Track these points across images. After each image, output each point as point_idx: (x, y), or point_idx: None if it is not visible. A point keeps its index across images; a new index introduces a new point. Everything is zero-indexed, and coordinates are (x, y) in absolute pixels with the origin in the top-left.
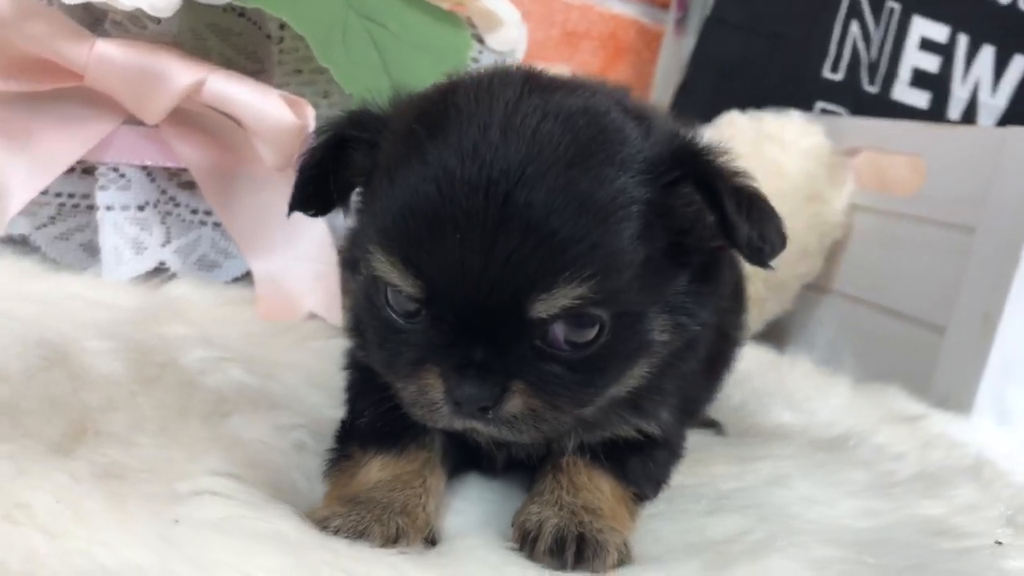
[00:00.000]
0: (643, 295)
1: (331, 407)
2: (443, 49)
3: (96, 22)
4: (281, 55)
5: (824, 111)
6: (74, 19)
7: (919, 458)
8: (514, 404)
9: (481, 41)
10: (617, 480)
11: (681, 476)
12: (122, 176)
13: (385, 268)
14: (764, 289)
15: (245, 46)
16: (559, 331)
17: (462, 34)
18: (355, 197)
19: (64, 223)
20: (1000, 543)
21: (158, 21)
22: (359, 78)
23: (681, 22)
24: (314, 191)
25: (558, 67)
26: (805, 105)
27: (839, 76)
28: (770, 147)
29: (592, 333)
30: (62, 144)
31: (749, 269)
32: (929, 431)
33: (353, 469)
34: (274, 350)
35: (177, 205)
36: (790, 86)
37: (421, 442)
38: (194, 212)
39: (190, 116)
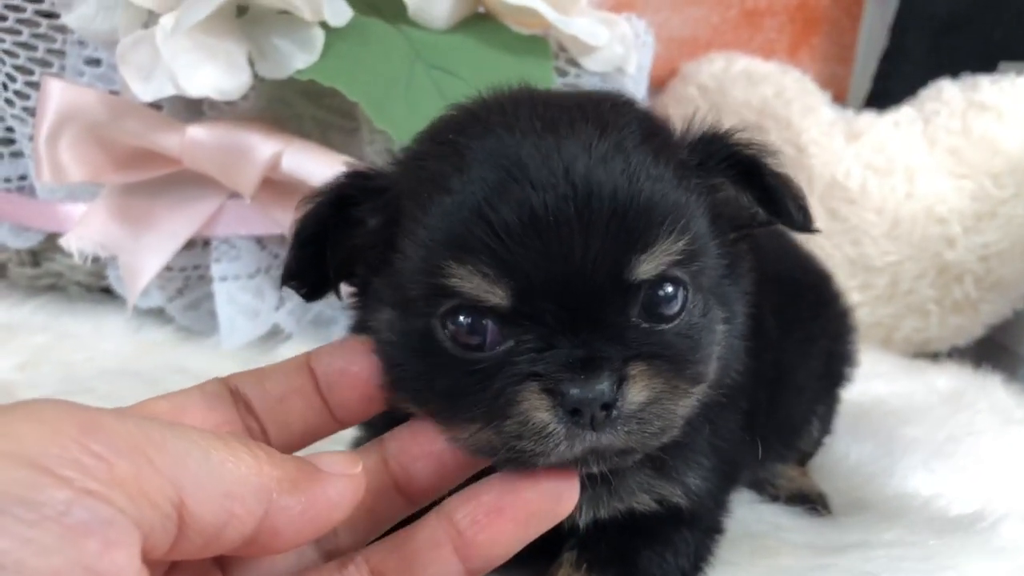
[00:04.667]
0: (709, 271)
1: None
2: None
3: (195, 107)
4: None
5: None
6: (176, 107)
7: None
8: (638, 389)
9: (576, 64)
10: None
11: (732, 568)
12: (233, 247)
13: (464, 280)
14: (975, 289)
15: (338, 106)
16: (652, 303)
17: (543, 65)
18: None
19: (192, 294)
20: None
21: (247, 98)
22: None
23: None
24: (309, 262)
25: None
26: None
27: None
28: (981, 120)
29: (679, 304)
30: (177, 223)
31: (958, 269)
32: None
33: None
34: None
35: None
36: None
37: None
38: None
39: (283, 185)
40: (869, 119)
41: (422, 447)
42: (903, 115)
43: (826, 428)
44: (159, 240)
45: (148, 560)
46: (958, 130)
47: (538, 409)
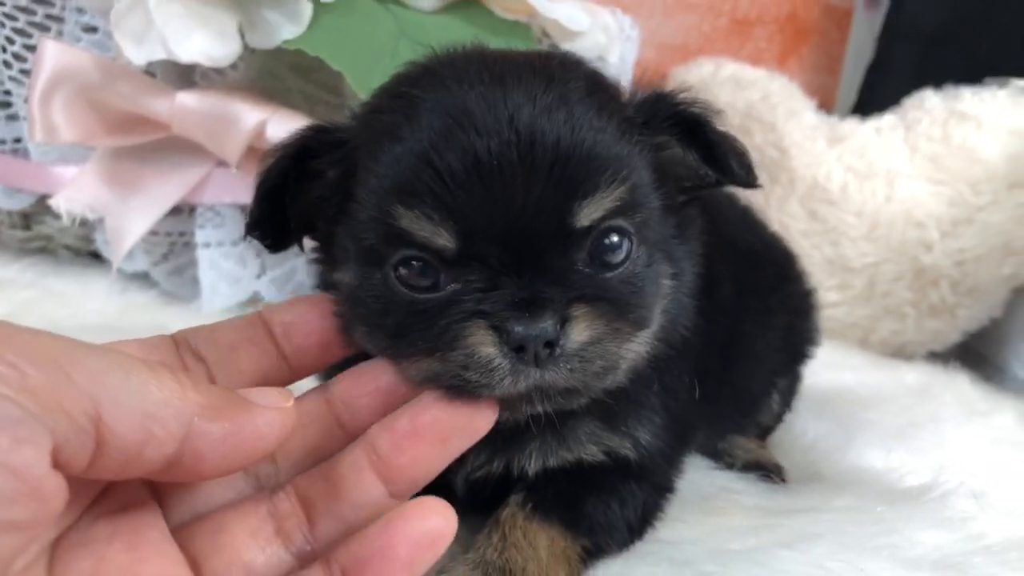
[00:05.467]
0: (653, 225)
1: None
2: None
3: (187, 75)
4: None
5: None
6: (168, 74)
7: None
8: (580, 330)
9: (558, 50)
10: (564, 531)
11: (680, 525)
12: (218, 215)
13: (412, 223)
14: (952, 294)
15: (325, 81)
16: (596, 250)
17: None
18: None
19: (176, 259)
20: None
21: (236, 68)
22: None
23: None
24: (272, 214)
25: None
26: None
27: None
28: (962, 129)
29: (623, 252)
30: (164, 188)
31: (935, 273)
32: None
33: None
34: None
35: None
36: (1019, 50)
37: None
38: None
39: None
40: (852, 125)
41: (366, 385)
42: (885, 122)
43: (787, 403)
44: (146, 204)
45: (69, 475)
46: (939, 138)
47: (484, 344)
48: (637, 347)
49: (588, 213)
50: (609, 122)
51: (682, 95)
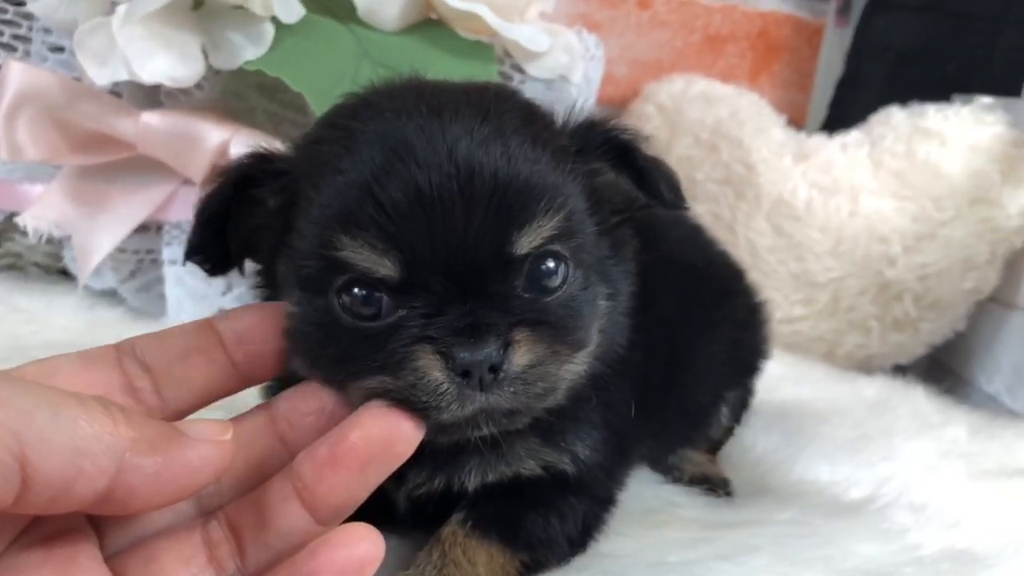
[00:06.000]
0: (588, 248)
1: None
2: None
3: (152, 94)
4: None
5: None
6: (133, 94)
7: (986, 528)
8: (521, 353)
9: (521, 71)
10: (504, 547)
11: (620, 538)
12: (184, 232)
13: (355, 253)
14: (915, 308)
15: (290, 100)
16: (534, 276)
17: (487, 70)
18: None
19: (144, 276)
20: None
21: (201, 88)
22: None
23: (843, 11)
24: (213, 239)
25: (698, 77)
26: (1011, 90)
27: None
28: (925, 145)
29: (560, 277)
30: (131, 206)
31: (898, 287)
32: None
33: None
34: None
35: None
36: (985, 70)
37: None
38: None
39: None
40: (818, 141)
41: (309, 404)
42: (851, 138)
43: (736, 417)
44: (113, 222)
45: None
46: (903, 154)
47: (433, 368)
48: (576, 367)
49: (526, 241)
50: (544, 152)
51: (612, 122)
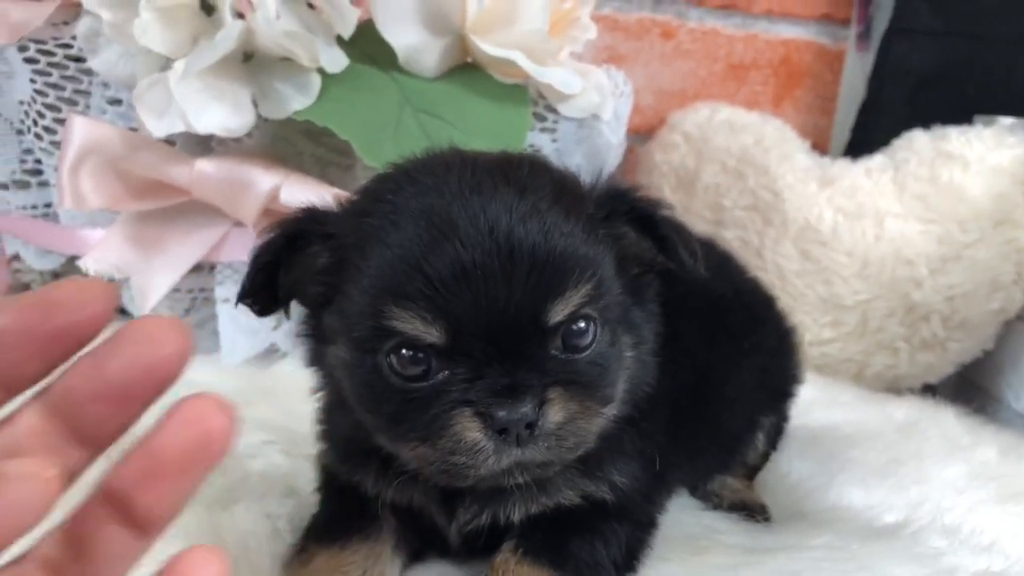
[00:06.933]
0: (614, 306)
1: None
2: (498, 131)
3: (205, 143)
4: None
5: None
6: (188, 142)
7: (1020, 551)
8: (556, 411)
9: (554, 111)
10: (553, 571)
11: (664, 563)
12: (236, 272)
13: (405, 323)
14: (942, 329)
15: (335, 145)
16: (566, 337)
17: (521, 112)
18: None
19: (198, 314)
20: None
21: (251, 136)
22: None
23: (864, 37)
24: (263, 284)
25: (722, 105)
26: None
27: None
28: (948, 169)
29: (589, 336)
30: (185, 248)
31: (925, 309)
32: None
33: (305, 560)
34: None
35: None
36: (1003, 92)
37: (366, 534)
38: None
39: (283, 215)
40: (843, 166)
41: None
42: (875, 163)
43: (772, 443)
44: (169, 263)
45: None
46: (926, 177)
47: (470, 430)
48: (604, 421)
49: (559, 311)
50: (576, 224)
51: (635, 193)
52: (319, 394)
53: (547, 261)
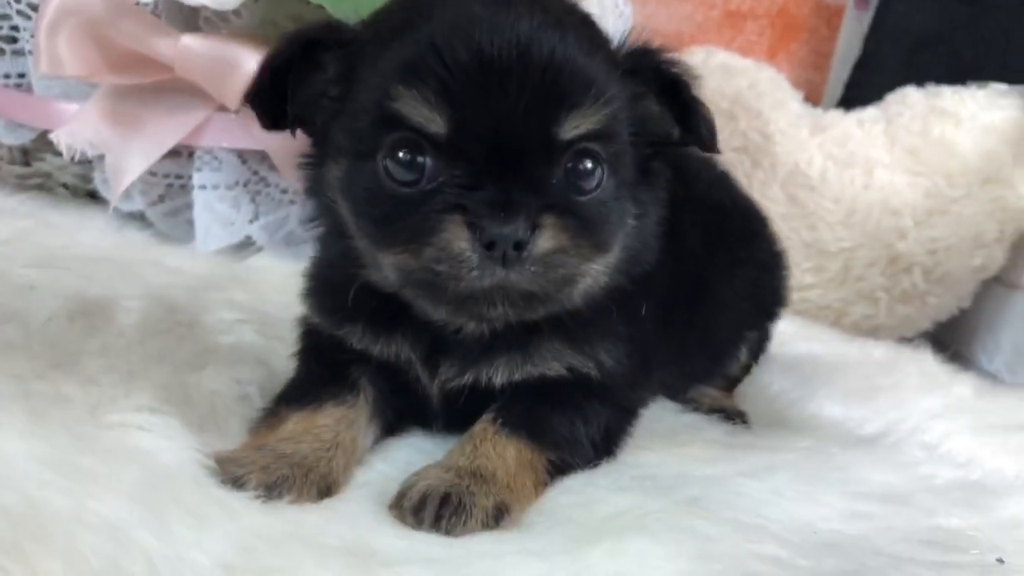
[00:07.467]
0: (624, 161)
1: None
2: None
3: (192, 19)
4: None
5: None
6: (173, 16)
7: (995, 467)
8: (547, 238)
9: None
10: (531, 443)
11: (646, 452)
12: (215, 159)
13: (409, 105)
14: (923, 281)
15: None
16: (572, 173)
17: None
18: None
19: (172, 201)
20: (1002, 561)
21: (239, 15)
22: None
23: None
24: (272, 91)
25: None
26: (1021, 80)
27: None
28: (940, 124)
29: (595, 179)
30: (165, 129)
31: (908, 260)
32: None
33: (274, 423)
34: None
35: (268, 185)
36: (998, 58)
37: (341, 399)
38: (284, 192)
39: None
40: (835, 115)
41: None
42: (868, 115)
43: (754, 357)
44: (146, 144)
45: None
46: (918, 131)
47: (458, 238)
48: (595, 268)
49: (571, 126)
50: (598, 53)
51: (666, 54)
52: (314, 223)
53: (566, 69)
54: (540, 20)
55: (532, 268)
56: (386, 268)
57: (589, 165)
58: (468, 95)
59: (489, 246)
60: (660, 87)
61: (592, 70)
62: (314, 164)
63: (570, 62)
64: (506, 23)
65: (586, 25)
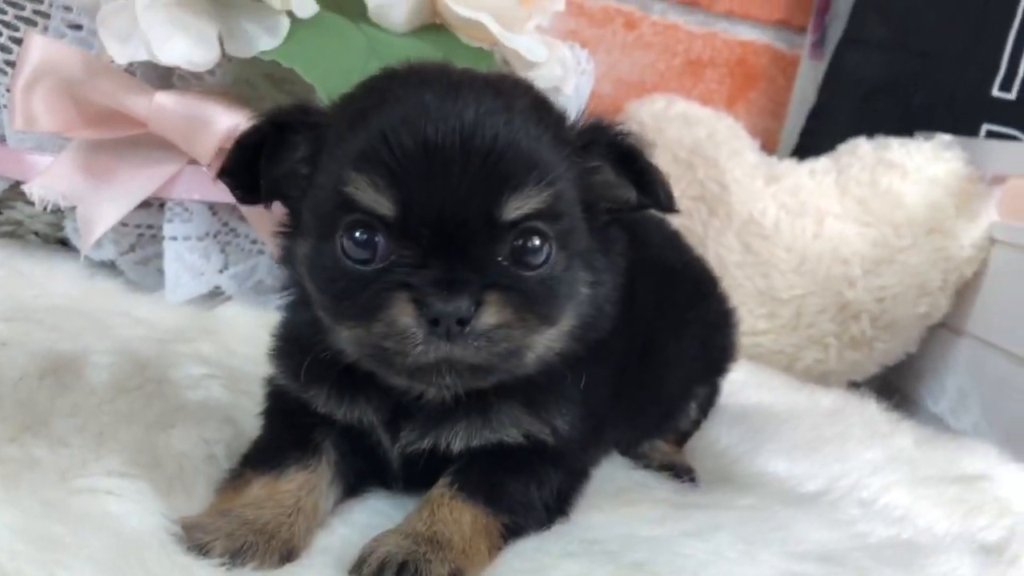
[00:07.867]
0: (575, 234)
1: None
2: None
3: (166, 76)
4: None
5: (992, 134)
6: (148, 74)
7: (927, 524)
8: (490, 314)
9: None
10: (487, 509)
11: (595, 512)
12: (186, 210)
13: (359, 189)
14: (871, 328)
15: (297, 92)
16: (519, 251)
17: None
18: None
19: (143, 250)
20: None
21: (213, 73)
22: None
23: (818, 45)
24: (245, 167)
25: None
26: (968, 128)
27: (1012, 95)
28: (888, 176)
29: (543, 256)
30: (137, 181)
31: (857, 308)
32: (987, 495)
33: (240, 486)
34: None
35: (237, 236)
36: (946, 107)
37: (304, 464)
38: (253, 242)
39: None
40: (789, 165)
41: None
42: (820, 165)
43: (704, 411)
44: (118, 195)
45: None
46: (867, 182)
47: (404, 314)
48: (542, 340)
49: (514, 207)
50: (545, 134)
51: (619, 127)
52: (287, 291)
53: (507, 154)
54: (487, 107)
55: (475, 343)
56: (343, 341)
57: (536, 242)
58: (414, 180)
59: (434, 322)
60: (615, 158)
61: (537, 152)
62: (289, 235)
63: (513, 146)
64: (452, 111)
65: (536, 108)
